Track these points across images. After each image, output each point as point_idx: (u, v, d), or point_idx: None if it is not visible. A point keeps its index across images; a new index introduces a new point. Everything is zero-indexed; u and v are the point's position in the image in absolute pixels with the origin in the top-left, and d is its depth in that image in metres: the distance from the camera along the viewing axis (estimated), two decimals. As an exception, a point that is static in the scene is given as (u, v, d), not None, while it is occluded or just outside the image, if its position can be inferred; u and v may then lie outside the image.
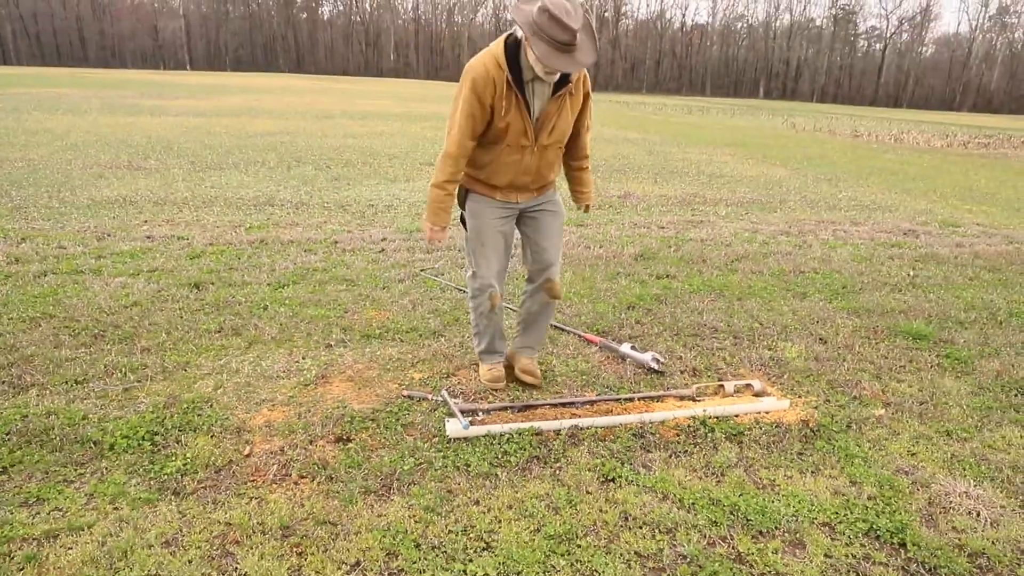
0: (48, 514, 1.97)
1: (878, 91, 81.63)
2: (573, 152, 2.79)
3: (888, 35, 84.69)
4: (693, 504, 2.15)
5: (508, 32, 2.45)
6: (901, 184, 9.93)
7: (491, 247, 2.71)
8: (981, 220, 7.36)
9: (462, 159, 2.53)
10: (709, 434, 2.58)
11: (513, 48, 2.41)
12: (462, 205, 2.77)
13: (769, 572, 1.89)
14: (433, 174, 2.59)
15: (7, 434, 2.33)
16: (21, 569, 1.77)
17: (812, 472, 2.37)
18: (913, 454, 2.52)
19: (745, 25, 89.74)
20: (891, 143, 18.07)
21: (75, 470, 2.18)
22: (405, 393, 2.78)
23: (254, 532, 1.94)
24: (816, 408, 2.83)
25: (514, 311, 3.59)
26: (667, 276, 4.63)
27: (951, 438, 2.65)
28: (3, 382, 2.71)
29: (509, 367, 2.97)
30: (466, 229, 2.77)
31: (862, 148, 15.94)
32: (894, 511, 2.16)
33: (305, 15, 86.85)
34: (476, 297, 2.80)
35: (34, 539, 1.87)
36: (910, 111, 61.42)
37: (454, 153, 2.50)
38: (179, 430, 2.43)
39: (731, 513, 2.12)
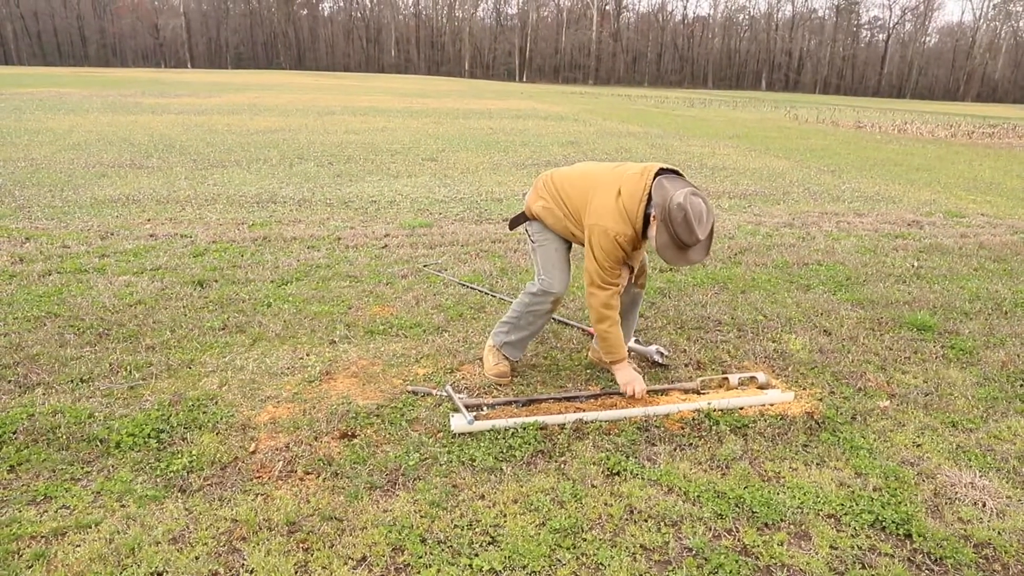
0: (56, 512, 1.98)
1: (881, 82, 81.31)
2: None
3: (891, 25, 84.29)
4: (698, 497, 2.15)
5: (645, 198, 2.49)
6: (905, 175, 9.89)
7: (561, 257, 2.83)
8: (986, 210, 7.33)
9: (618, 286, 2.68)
10: (714, 427, 2.57)
11: (646, 219, 2.53)
12: (518, 224, 2.94)
13: (775, 564, 1.89)
14: (595, 319, 2.69)
15: (14, 433, 2.34)
16: (30, 566, 1.78)
17: (817, 464, 2.37)
18: (918, 445, 2.52)
19: (747, 17, 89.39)
20: (895, 134, 17.99)
21: (82, 468, 2.19)
22: (409, 389, 2.78)
23: (260, 528, 1.95)
24: (821, 400, 2.83)
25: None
26: (670, 269, 4.62)
27: (956, 429, 2.65)
28: (9, 381, 2.72)
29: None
30: (532, 242, 2.88)
31: (865, 139, 15.88)
32: (899, 502, 2.15)
33: (306, 12, 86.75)
34: (538, 296, 2.82)
35: (42, 537, 1.88)
36: (914, 101, 61.11)
37: (609, 281, 2.62)
38: (185, 427, 2.43)
39: (736, 506, 2.12)
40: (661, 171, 2.53)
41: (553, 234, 2.83)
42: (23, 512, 1.97)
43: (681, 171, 2.57)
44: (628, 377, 2.74)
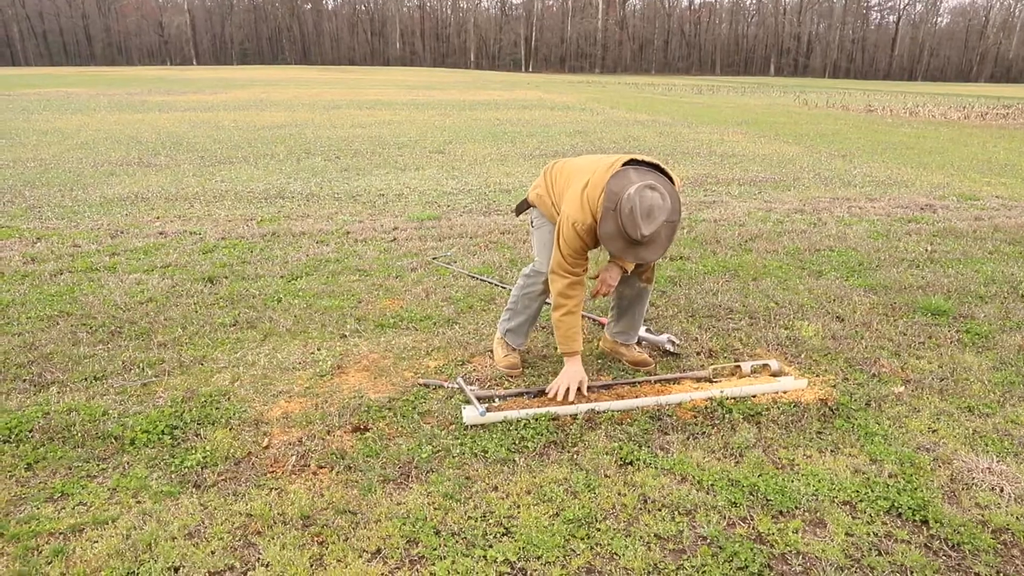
0: (73, 509, 2.00)
1: (892, 64, 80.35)
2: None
3: (901, 6, 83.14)
4: (712, 485, 2.14)
5: (604, 189, 2.42)
6: (917, 158, 9.77)
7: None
8: (1000, 192, 7.23)
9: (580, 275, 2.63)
10: (727, 415, 2.56)
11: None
12: (523, 210, 2.96)
13: (790, 552, 1.88)
14: (552, 306, 2.68)
15: (30, 431, 2.36)
16: (49, 563, 1.79)
17: (831, 451, 2.35)
18: (934, 431, 2.49)
19: (754, 1, 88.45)
20: (906, 117, 17.77)
21: (98, 465, 2.20)
22: (421, 381, 2.78)
23: (275, 522, 1.96)
24: (834, 387, 2.80)
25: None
26: (681, 257, 4.60)
27: (972, 414, 2.62)
28: (24, 380, 2.74)
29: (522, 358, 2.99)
30: (532, 226, 2.90)
31: (876, 123, 15.70)
32: (916, 488, 2.14)
33: (310, 5, 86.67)
34: (531, 277, 2.85)
35: (60, 533, 1.90)
36: (925, 83, 60.37)
37: (568, 269, 2.59)
38: (198, 423, 2.45)
39: (750, 494, 2.11)
40: (635, 162, 2.48)
41: (546, 218, 2.85)
42: (41, 509, 1.99)
43: (662, 164, 2.49)
44: (568, 377, 2.65)
